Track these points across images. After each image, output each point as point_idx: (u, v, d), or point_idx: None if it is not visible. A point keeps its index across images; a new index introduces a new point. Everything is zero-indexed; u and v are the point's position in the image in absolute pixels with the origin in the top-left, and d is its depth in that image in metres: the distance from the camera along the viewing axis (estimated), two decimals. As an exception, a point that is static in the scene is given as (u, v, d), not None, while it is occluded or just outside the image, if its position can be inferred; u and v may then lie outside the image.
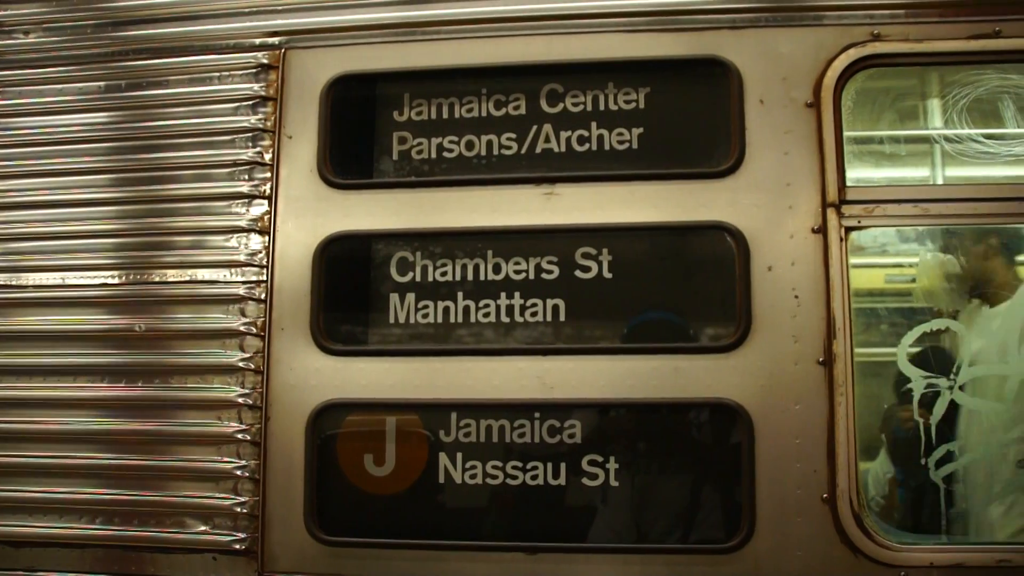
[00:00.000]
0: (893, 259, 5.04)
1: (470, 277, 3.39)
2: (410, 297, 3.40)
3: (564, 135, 3.43)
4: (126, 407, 3.49)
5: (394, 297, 3.41)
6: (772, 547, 3.11)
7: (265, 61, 3.59)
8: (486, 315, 3.35)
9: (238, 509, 3.35)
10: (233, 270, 3.48)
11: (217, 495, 3.38)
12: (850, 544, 3.09)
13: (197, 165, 3.58)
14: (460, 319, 3.37)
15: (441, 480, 3.29)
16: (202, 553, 3.38)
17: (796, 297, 3.20)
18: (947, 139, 3.96)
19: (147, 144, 3.64)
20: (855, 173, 3.62)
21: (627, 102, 3.41)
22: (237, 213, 3.51)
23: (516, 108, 3.47)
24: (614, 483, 3.23)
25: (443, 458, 3.30)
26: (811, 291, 3.20)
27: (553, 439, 3.26)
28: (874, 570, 3.08)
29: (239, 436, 3.38)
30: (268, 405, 3.38)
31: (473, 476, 3.27)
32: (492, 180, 3.42)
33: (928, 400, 3.54)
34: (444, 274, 3.40)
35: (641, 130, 3.39)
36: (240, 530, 3.35)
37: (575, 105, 3.44)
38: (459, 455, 3.29)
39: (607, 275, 3.32)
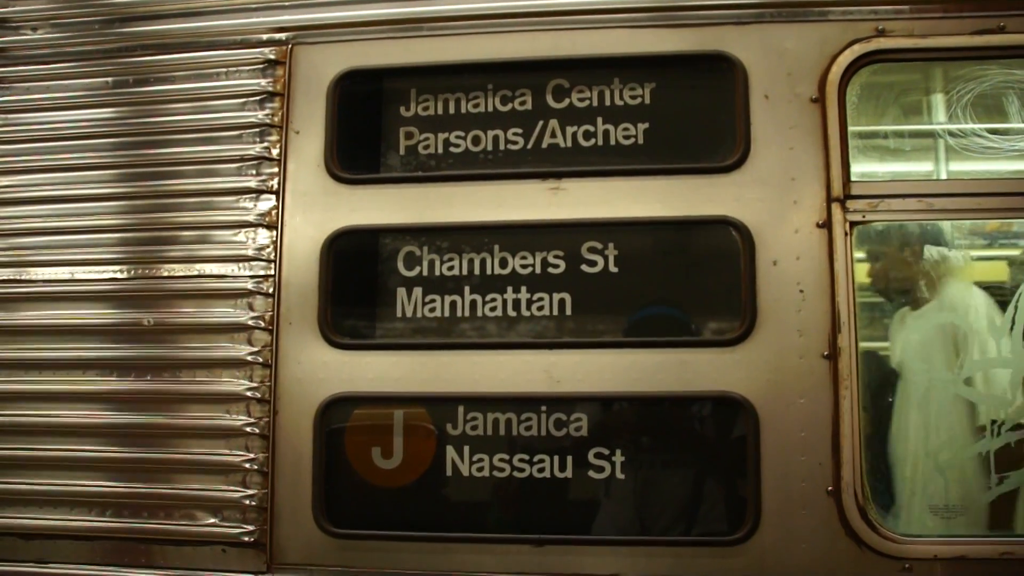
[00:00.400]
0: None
1: (477, 271, 3.40)
2: (417, 291, 3.42)
3: (570, 130, 3.44)
4: (135, 401, 3.51)
5: (401, 291, 3.43)
6: (777, 539, 3.14)
7: (272, 57, 3.61)
8: (493, 309, 3.37)
9: (247, 502, 3.38)
10: (241, 265, 3.50)
11: (226, 488, 3.40)
12: (855, 536, 3.11)
13: (205, 160, 3.59)
14: (467, 313, 3.39)
15: (448, 473, 3.31)
16: (211, 545, 3.40)
17: (801, 291, 3.22)
18: (951, 134, 3.97)
19: (155, 139, 3.66)
20: (859, 168, 3.64)
21: (633, 97, 3.43)
22: (245, 208, 3.53)
23: (522, 103, 3.49)
24: (620, 476, 3.25)
25: (450, 451, 3.32)
26: (816, 285, 3.22)
27: (560, 432, 3.28)
28: (878, 562, 3.10)
29: (248, 429, 3.40)
30: (276, 398, 3.40)
31: (480, 469, 3.29)
32: (498, 175, 3.44)
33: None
34: (451, 268, 3.42)
35: (647, 125, 3.41)
36: (249, 523, 3.37)
37: (581, 100, 3.46)
38: (466, 448, 3.31)
39: (613, 269, 3.33)
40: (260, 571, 3.35)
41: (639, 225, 3.36)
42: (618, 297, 3.35)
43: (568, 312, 3.35)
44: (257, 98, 3.59)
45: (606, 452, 3.25)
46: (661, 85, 3.43)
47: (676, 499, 3.31)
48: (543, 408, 3.30)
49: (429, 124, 3.53)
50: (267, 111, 3.57)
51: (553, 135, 3.45)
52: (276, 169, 3.53)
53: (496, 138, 3.48)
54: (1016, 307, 3.43)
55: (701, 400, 3.28)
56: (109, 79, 3.74)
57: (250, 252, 3.50)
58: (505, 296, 3.38)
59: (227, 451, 3.42)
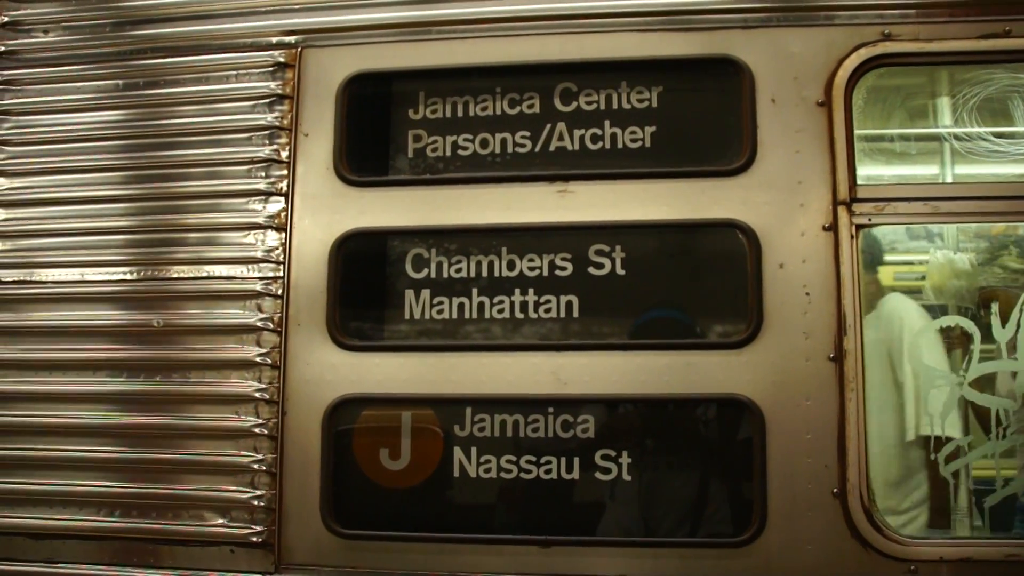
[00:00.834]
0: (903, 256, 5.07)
1: (484, 273, 3.42)
2: (425, 293, 3.44)
3: (578, 133, 3.46)
4: (144, 402, 3.53)
5: (409, 293, 3.44)
6: (783, 541, 3.15)
7: (282, 59, 3.63)
8: (500, 311, 3.39)
9: (255, 502, 3.39)
10: (250, 266, 3.52)
11: (234, 488, 3.42)
12: (860, 538, 3.12)
13: (214, 163, 3.61)
14: (475, 315, 3.40)
15: (456, 474, 3.32)
16: (219, 546, 3.41)
17: (807, 294, 3.23)
18: (957, 137, 3.99)
19: (165, 142, 3.68)
20: (866, 171, 3.66)
21: (640, 101, 3.44)
22: (254, 210, 3.55)
23: (530, 106, 3.50)
24: (627, 477, 3.26)
25: (458, 452, 3.33)
26: (822, 288, 3.23)
27: (567, 434, 3.29)
28: (884, 564, 3.11)
29: (256, 430, 3.42)
30: (285, 400, 3.42)
31: (487, 470, 3.31)
32: (506, 178, 3.45)
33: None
34: (459, 270, 3.43)
35: (654, 128, 3.42)
36: (257, 523, 3.39)
37: (589, 104, 3.47)
38: (474, 449, 3.32)
39: (620, 272, 3.35)
40: (268, 571, 3.36)
41: (646, 228, 3.37)
42: (625, 299, 3.37)
43: (575, 314, 3.36)
44: (266, 101, 3.61)
45: (613, 454, 3.26)
46: (668, 89, 3.44)
47: (682, 500, 3.33)
48: (550, 410, 3.31)
49: (437, 127, 3.54)
50: (276, 114, 3.59)
51: (561, 138, 3.47)
52: (285, 171, 3.55)
53: (504, 141, 3.50)
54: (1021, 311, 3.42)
55: (707, 402, 3.29)
56: (119, 82, 3.76)
57: (259, 254, 3.52)
58: (513, 298, 3.39)
59: (236, 452, 3.43)
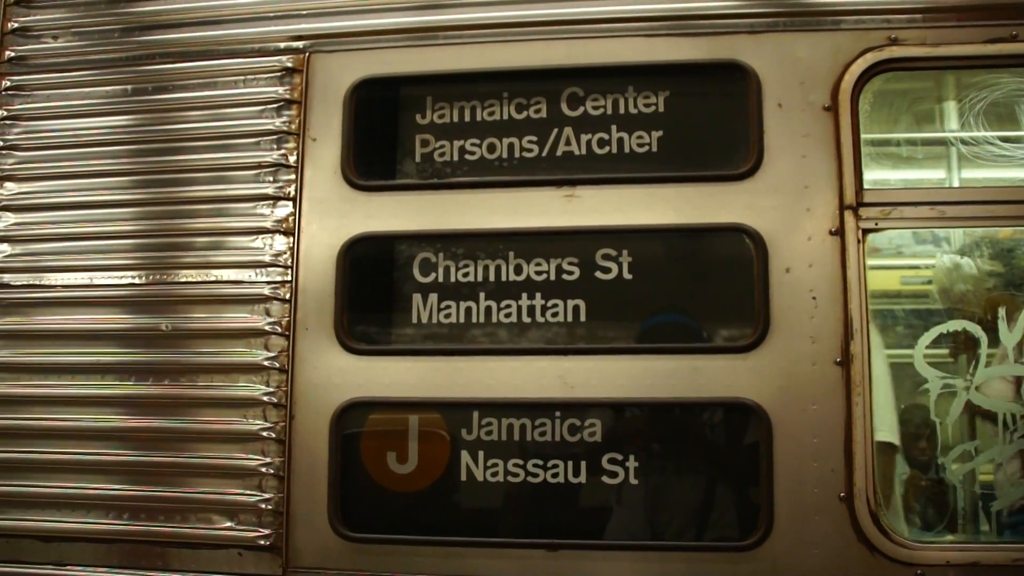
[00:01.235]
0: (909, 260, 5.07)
1: (492, 278, 3.43)
2: (432, 297, 3.45)
3: (584, 138, 3.47)
4: (153, 405, 3.54)
5: (417, 297, 3.45)
6: (790, 545, 3.15)
7: (289, 65, 3.64)
8: (507, 315, 3.39)
9: (263, 506, 3.40)
10: (258, 270, 3.53)
11: (242, 492, 3.43)
12: (867, 542, 3.12)
13: (222, 167, 3.63)
14: (482, 319, 3.41)
15: (463, 478, 3.33)
16: (227, 549, 3.42)
17: (814, 298, 3.23)
18: (964, 142, 4.00)
19: (173, 147, 3.70)
20: (872, 176, 3.65)
21: (647, 105, 3.45)
22: (262, 214, 3.57)
23: (537, 111, 3.51)
24: (633, 481, 3.26)
25: (465, 456, 3.34)
26: (828, 292, 3.23)
27: (574, 438, 3.29)
28: (891, 568, 3.10)
29: (264, 434, 3.43)
30: (292, 403, 3.43)
31: (494, 474, 3.31)
32: (513, 182, 3.47)
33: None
34: (466, 275, 3.44)
35: (660, 133, 3.43)
36: (265, 526, 3.40)
37: (595, 108, 3.48)
38: (481, 453, 3.33)
39: (627, 276, 3.35)
40: (276, 574, 3.37)
41: (653, 232, 3.38)
42: (632, 304, 3.37)
43: (582, 318, 3.36)
44: (274, 106, 3.63)
45: (620, 457, 3.27)
46: (675, 93, 3.45)
47: (689, 504, 3.33)
48: (557, 414, 3.32)
49: (445, 132, 3.56)
50: (284, 119, 3.61)
51: (568, 143, 3.48)
52: (293, 176, 3.56)
53: (511, 146, 3.51)
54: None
55: (714, 406, 3.30)
56: (128, 87, 3.78)
57: (267, 258, 3.53)
58: (520, 302, 3.40)
59: (243, 455, 3.44)
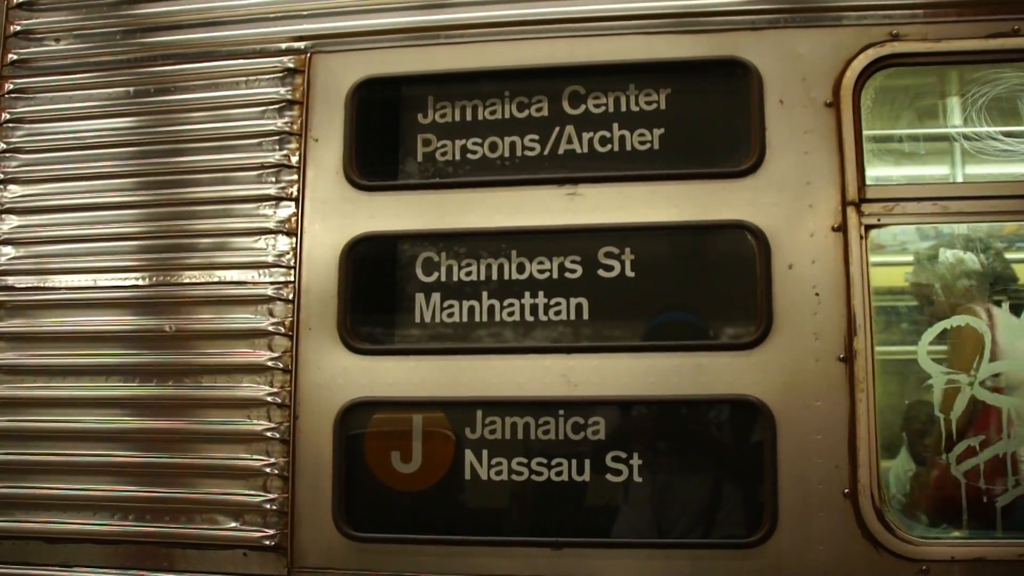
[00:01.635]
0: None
1: (494, 277, 3.43)
2: (435, 297, 3.45)
3: (586, 136, 3.47)
4: (157, 406, 3.55)
5: (420, 297, 3.46)
6: (794, 542, 3.15)
7: (291, 65, 3.65)
8: (510, 314, 3.40)
9: (268, 506, 3.41)
10: (261, 271, 3.54)
11: (247, 492, 3.44)
12: (871, 538, 3.12)
13: (225, 168, 3.64)
14: (485, 318, 3.41)
15: (467, 477, 3.34)
16: (232, 549, 3.43)
17: (817, 295, 3.23)
18: (966, 137, 3.98)
19: (176, 148, 3.70)
20: (874, 172, 3.64)
21: (648, 103, 3.45)
22: (265, 215, 3.57)
23: (539, 110, 3.52)
24: (637, 479, 3.26)
25: (469, 455, 3.34)
26: (831, 289, 3.23)
27: (577, 436, 3.30)
28: (895, 564, 3.10)
29: (268, 434, 3.44)
30: (296, 404, 3.43)
31: (499, 473, 3.32)
32: (515, 181, 3.47)
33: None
34: (469, 274, 3.44)
35: (662, 131, 3.43)
36: (270, 526, 3.41)
37: (597, 106, 3.48)
38: (485, 452, 3.33)
39: (630, 274, 3.35)
40: (281, 574, 3.38)
41: (655, 230, 3.38)
42: (635, 301, 3.37)
43: (585, 317, 3.37)
44: (276, 106, 3.63)
45: (623, 455, 3.27)
46: (676, 91, 3.45)
47: (693, 502, 3.33)
48: (561, 412, 3.32)
49: (446, 131, 3.56)
50: (286, 119, 3.61)
51: (569, 141, 3.48)
52: (295, 176, 3.57)
53: (513, 144, 3.51)
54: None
55: (718, 403, 3.30)
56: (130, 89, 3.79)
57: (270, 259, 3.54)
58: (522, 301, 3.40)
59: (248, 456, 3.45)
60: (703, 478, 3.34)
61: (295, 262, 3.51)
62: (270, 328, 3.49)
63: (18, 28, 3.90)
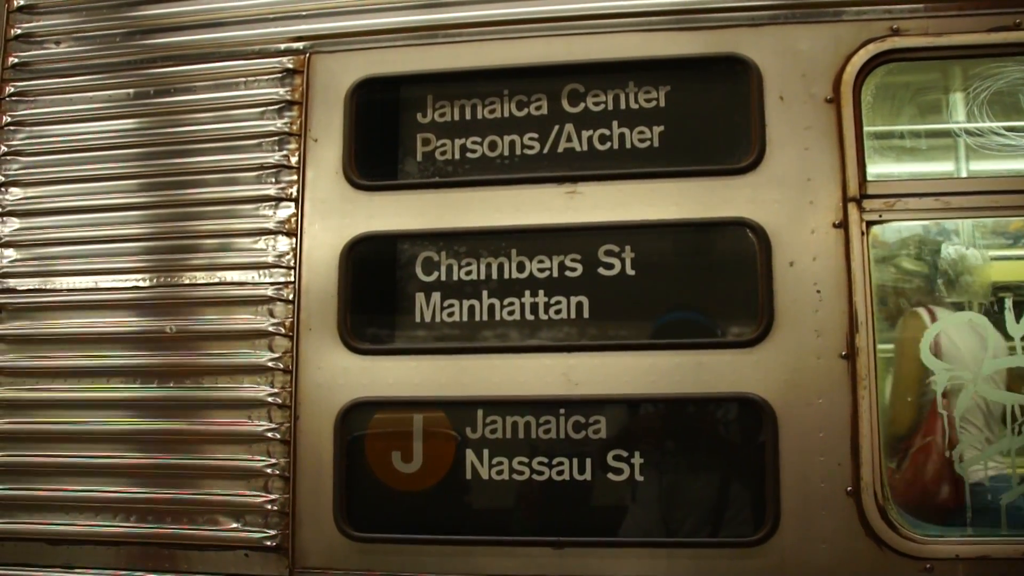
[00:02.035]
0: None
1: (495, 276, 3.42)
2: (435, 296, 3.44)
3: (586, 134, 3.46)
4: (158, 407, 3.55)
5: (420, 296, 3.45)
6: (797, 540, 3.13)
7: (290, 66, 3.65)
8: (511, 313, 3.39)
9: (269, 506, 3.41)
10: (261, 272, 3.54)
11: (248, 493, 3.44)
12: (875, 537, 3.10)
13: (225, 169, 3.64)
14: (485, 317, 3.40)
15: (468, 476, 3.33)
16: (234, 550, 3.43)
17: (818, 292, 3.21)
18: (968, 132, 3.96)
19: (175, 149, 3.70)
20: (876, 168, 3.63)
21: (648, 101, 3.44)
22: (265, 216, 3.57)
23: (538, 108, 3.51)
24: (639, 478, 3.25)
25: (470, 454, 3.33)
26: (833, 285, 3.21)
27: (578, 435, 3.29)
28: (899, 563, 3.08)
29: (269, 435, 3.43)
30: (297, 404, 3.43)
31: (500, 472, 3.31)
32: (515, 180, 3.46)
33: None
34: (469, 273, 3.44)
35: (662, 128, 3.42)
36: (271, 527, 3.40)
37: (596, 104, 3.47)
38: (486, 451, 3.33)
39: (630, 272, 3.34)
40: (282, 575, 3.38)
41: (656, 228, 3.36)
42: (636, 300, 3.36)
43: (586, 315, 3.35)
44: (276, 107, 3.63)
45: (625, 454, 3.26)
46: (676, 88, 3.44)
47: (695, 500, 3.32)
48: (561, 411, 3.31)
49: (446, 130, 3.55)
50: (286, 120, 3.61)
51: (569, 139, 3.47)
52: (295, 177, 3.57)
53: (512, 143, 3.50)
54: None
55: (719, 402, 3.28)
56: (130, 91, 3.79)
57: (270, 259, 3.54)
58: (523, 300, 3.39)
59: (249, 456, 3.45)
60: (705, 477, 3.33)
61: (295, 262, 3.51)
62: (270, 329, 3.49)
63: (19, 31, 3.91)
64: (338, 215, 3.51)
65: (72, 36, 3.88)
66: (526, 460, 3.30)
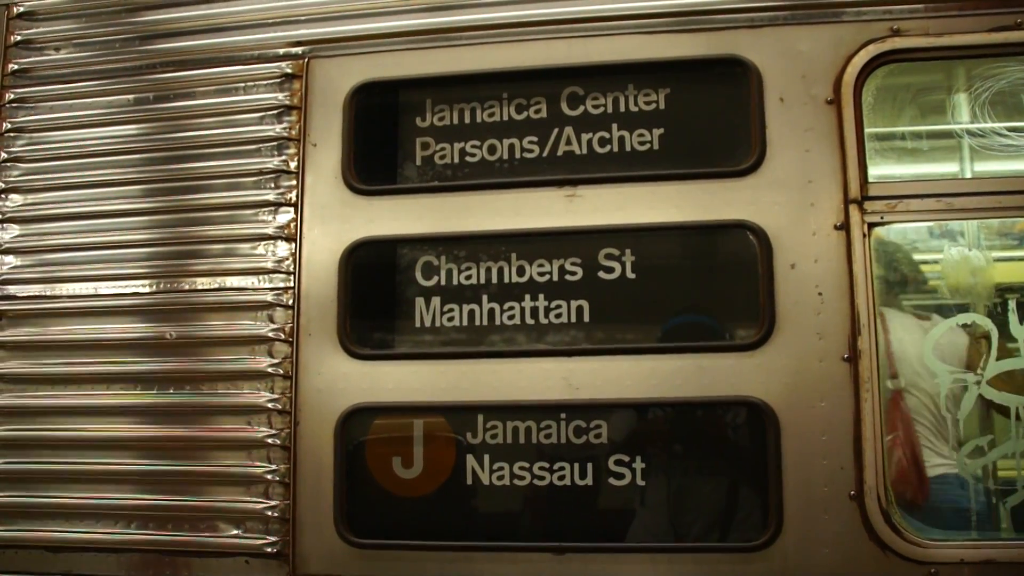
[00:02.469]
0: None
1: (495, 280, 3.41)
2: (435, 301, 3.43)
3: (585, 137, 3.45)
4: (158, 414, 3.55)
5: (420, 301, 3.44)
6: (800, 544, 3.11)
7: (289, 70, 3.64)
8: (511, 317, 3.37)
9: (269, 513, 3.40)
10: (261, 277, 3.53)
11: (248, 499, 3.43)
12: (878, 541, 3.07)
13: (224, 174, 3.63)
14: (485, 322, 3.39)
15: (469, 482, 3.31)
16: (234, 556, 3.42)
17: (820, 294, 3.19)
18: (970, 133, 3.95)
19: (175, 155, 3.70)
20: (877, 169, 3.62)
21: (647, 103, 3.43)
22: (264, 221, 3.56)
23: (537, 111, 3.50)
24: (641, 482, 3.23)
25: (471, 460, 3.32)
26: (835, 288, 3.19)
27: (579, 439, 3.27)
28: (903, 567, 3.06)
29: (269, 441, 3.43)
30: (297, 410, 3.42)
31: (500, 477, 3.29)
32: (515, 183, 3.45)
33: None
34: (469, 277, 3.43)
35: (662, 131, 3.40)
36: (271, 533, 3.39)
37: (596, 107, 3.46)
38: (486, 456, 3.31)
39: (630, 275, 3.33)
40: (283, 581, 3.38)
41: (656, 231, 3.35)
42: (636, 303, 3.34)
43: (586, 319, 3.34)
44: (275, 112, 3.63)
45: (626, 459, 3.24)
46: (676, 90, 3.42)
47: (697, 505, 3.30)
48: (562, 416, 3.29)
49: (445, 134, 3.55)
50: (285, 124, 3.61)
51: (568, 142, 3.46)
52: (294, 182, 3.56)
53: (512, 146, 3.49)
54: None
55: (721, 405, 3.26)
56: (130, 96, 3.80)
57: (270, 264, 3.53)
58: (523, 304, 3.38)
59: (249, 463, 3.44)
60: (707, 481, 3.32)
61: (295, 268, 3.50)
62: (270, 334, 3.48)
63: (18, 38, 3.92)
64: (337, 220, 3.51)
65: (72, 42, 3.89)
66: (527, 465, 3.28)
